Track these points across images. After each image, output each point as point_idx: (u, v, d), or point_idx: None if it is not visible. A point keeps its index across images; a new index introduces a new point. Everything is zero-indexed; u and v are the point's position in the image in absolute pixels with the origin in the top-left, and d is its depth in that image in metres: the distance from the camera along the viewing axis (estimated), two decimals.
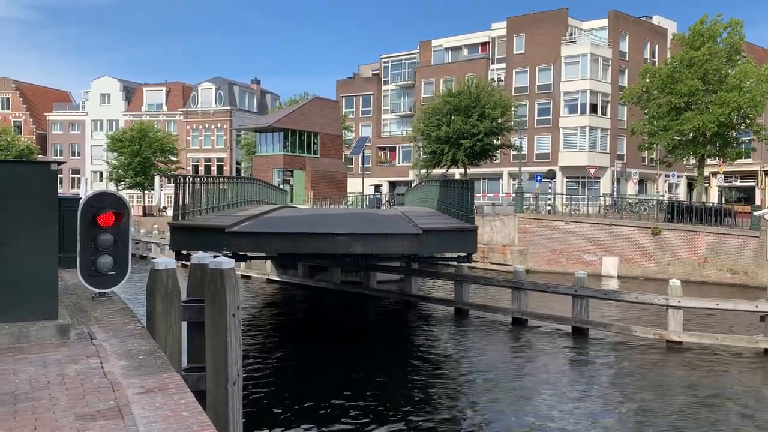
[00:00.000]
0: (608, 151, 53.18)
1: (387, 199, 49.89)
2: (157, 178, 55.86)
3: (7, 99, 75.38)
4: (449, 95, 43.07)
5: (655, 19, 59.84)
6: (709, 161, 40.48)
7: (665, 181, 54.47)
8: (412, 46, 69.21)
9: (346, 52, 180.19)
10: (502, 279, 20.88)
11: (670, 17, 62.21)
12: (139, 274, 14.99)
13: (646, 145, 40.34)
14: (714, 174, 48.58)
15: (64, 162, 62.99)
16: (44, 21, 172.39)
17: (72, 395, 4.68)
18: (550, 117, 54.55)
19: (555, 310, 18.71)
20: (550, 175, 48.74)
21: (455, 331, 18.59)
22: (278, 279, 27.26)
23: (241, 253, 16.92)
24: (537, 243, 31.88)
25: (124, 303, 8.37)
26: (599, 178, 51.48)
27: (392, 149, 66.74)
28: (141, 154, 56.03)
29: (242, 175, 52.21)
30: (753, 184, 52.66)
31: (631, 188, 51.08)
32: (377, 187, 64.29)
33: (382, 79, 68.62)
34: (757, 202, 47.72)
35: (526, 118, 54.78)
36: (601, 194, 45.16)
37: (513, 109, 44.77)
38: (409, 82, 65.72)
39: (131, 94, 74.56)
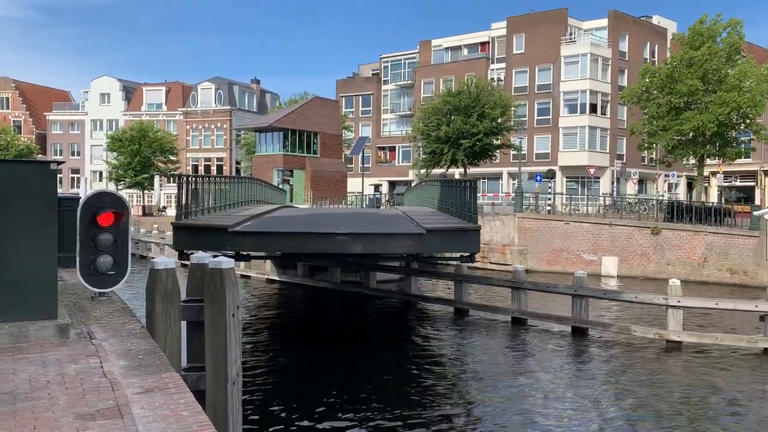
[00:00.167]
0: (608, 151, 53.20)
1: (387, 198, 49.91)
2: (156, 178, 55.85)
3: (7, 99, 75.36)
4: (449, 95, 43.06)
5: (655, 19, 59.84)
6: (708, 161, 40.50)
7: (665, 180, 54.48)
8: (412, 46, 69.28)
9: (345, 52, 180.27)
10: (502, 279, 20.88)
11: (669, 17, 62.28)
12: (139, 274, 14.98)
13: (646, 145, 40.34)
14: (714, 174, 48.59)
15: (64, 162, 62.98)
16: (44, 21, 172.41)
17: (71, 395, 4.68)
18: (550, 117, 54.56)
19: (555, 310, 18.72)
20: (550, 175, 48.76)
21: (455, 330, 18.59)
22: (278, 279, 27.27)
23: (244, 253, 16.91)
24: (537, 243, 31.89)
25: (124, 303, 8.36)
26: (599, 177, 51.49)
27: (392, 149, 66.74)
28: (141, 154, 56.03)
29: (242, 174, 52.24)
30: (753, 183, 52.68)
31: (630, 188, 51.08)
32: (377, 187, 64.31)
33: (382, 78, 68.61)
34: (757, 201, 47.75)
35: (526, 118, 54.78)
36: (600, 194, 45.16)
37: (513, 108, 44.77)
38: (409, 81, 65.73)
39: (131, 93, 74.55)
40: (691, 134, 36.78)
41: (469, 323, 19.20)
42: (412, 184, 47.39)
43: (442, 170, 44.34)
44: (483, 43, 61.22)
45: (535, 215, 33.44)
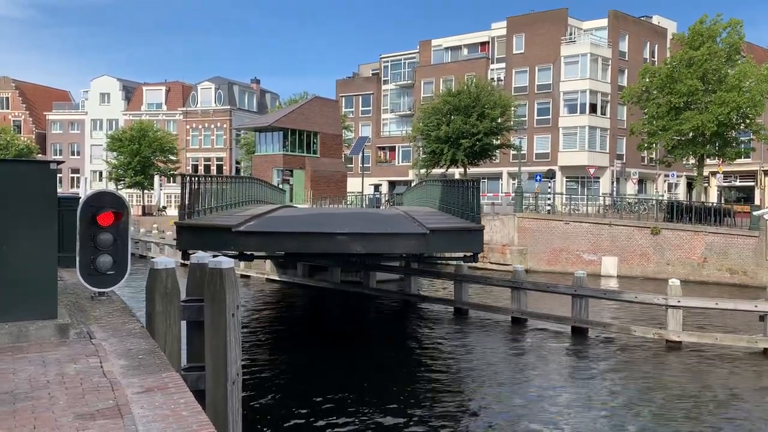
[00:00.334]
0: (608, 151, 53.20)
1: (386, 198, 49.91)
2: (156, 178, 55.85)
3: (7, 98, 75.35)
4: (449, 95, 43.05)
5: (655, 19, 59.85)
6: (708, 161, 40.50)
7: (665, 180, 54.48)
8: (412, 46, 69.27)
9: (345, 51, 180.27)
10: (502, 279, 20.88)
11: (669, 17, 62.28)
12: (139, 274, 14.98)
13: (646, 145, 40.35)
14: (713, 174, 48.60)
15: (64, 161, 62.93)
16: (44, 20, 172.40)
17: (71, 394, 4.68)
18: (550, 117, 54.56)
19: (554, 310, 18.71)
20: (550, 175, 48.75)
21: (455, 330, 18.59)
22: (278, 278, 27.27)
23: (248, 253, 16.90)
24: (536, 243, 31.89)
25: (124, 302, 8.37)
26: (599, 177, 51.49)
27: (392, 149, 66.74)
28: (140, 154, 56.03)
29: (242, 174, 52.25)
30: (752, 183, 52.68)
31: (630, 188, 51.09)
32: (377, 187, 64.31)
33: (382, 78, 68.61)
34: (757, 201, 47.75)
35: (526, 118, 54.78)
36: (600, 194, 45.15)
37: (512, 108, 44.76)
38: (409, 81, 65.73)
39: (131, 93, 74.54)
40: (690, 134, 36.78)
41: (469, 323, 19.21)
42: (412, 184, 47.40)
43: (442, 170, 44.35)
44: (483, 43, 61.22)
45: (535, 215, 33.44)
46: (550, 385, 13.00)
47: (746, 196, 51.53)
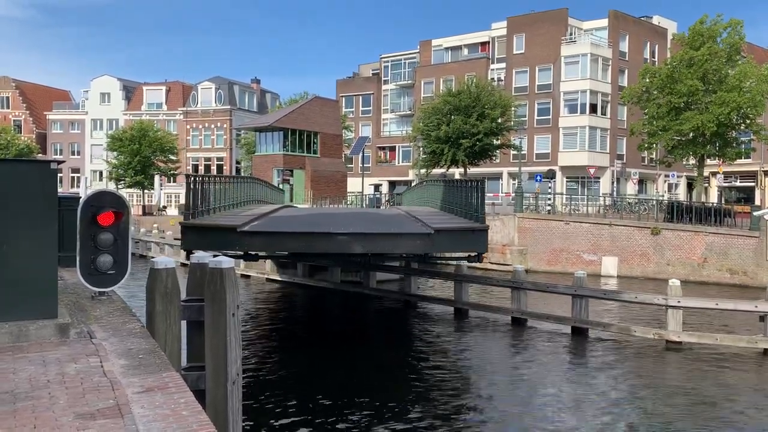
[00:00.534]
0: (608, 151, 53.20)
1: (386, 198, 49.91)
2: (156, 178, 55.83)
3: (7, 98, 75.36)
4: (449, 95, 43.05)
5: (655, 19, 59.85)
6: (708, 161, 40.50)
7: (665, 181, 54.48)
8: (412, 46, 69.27)
9: (346, 51, 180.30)
10: (502, 279, 20.88)
11: (670, 17, 62.26)
12: (139, 274, 14.98)
13: (646, 145, 40.34)
14: (714, 174, 48.59)
15: (64, 161, 62.82)
16: (44, 20, 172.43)
17: (72, 394, 4.68)
18: (550, 117, 54.56)
19: (555, 310, 18.71)
20: (550, 175, 48.74)
21: (455, 330, 18.59)
22: (278, 278, 27.27)
23: (252, 253, 16.90)
24: (537, 243, 31.89)
25: (124, 302, 8.37)
26: (599, 178, 51.49)
27: (392, 149, 66.74)
28: (141, 154, 56.01)
29: (242, 174, 52.24)
30: (753, 184, 52.68)
31: (630, 188, 51.09)
32: (377, 187, 64.31)
33: (382, 78, 68.61)
34: (757, 202, 47.75)
35: (526, 118, 54.77)
36: (600, 194, 45.14)
37: (513, 108, 44.76)
38: (409, 81, 65.73)
39: (131, 93, 74.54)
40: (691, 134, 36.78)
41: (469, 323, 19.21)
42: (412, 184, 47.38)
43: (442, 170, 44.35)
44: (483, 43, 61.23)
45: (535, 215, 33.44)
46: (550, 385, 12.99)
47: (746, 196, 51.53)
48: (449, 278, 21.18)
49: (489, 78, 54.85)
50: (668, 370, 14.36)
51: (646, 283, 26.89)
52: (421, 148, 45.75)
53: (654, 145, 40.03)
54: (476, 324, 19.02)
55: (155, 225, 44.91)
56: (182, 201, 57.85)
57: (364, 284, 23.61)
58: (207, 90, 71.11)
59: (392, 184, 62.96)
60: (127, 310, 7.74)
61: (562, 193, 44.59)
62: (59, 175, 7.25)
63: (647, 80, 38.42)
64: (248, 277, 28.33)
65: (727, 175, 50.03)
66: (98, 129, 73.23)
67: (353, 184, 53.13)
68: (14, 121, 74.28)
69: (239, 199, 20.83)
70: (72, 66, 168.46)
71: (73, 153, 74.00)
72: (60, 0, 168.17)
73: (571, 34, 54.28)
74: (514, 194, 36.29)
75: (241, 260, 22.25)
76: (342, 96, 68.50)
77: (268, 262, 26.61)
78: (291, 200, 38.01)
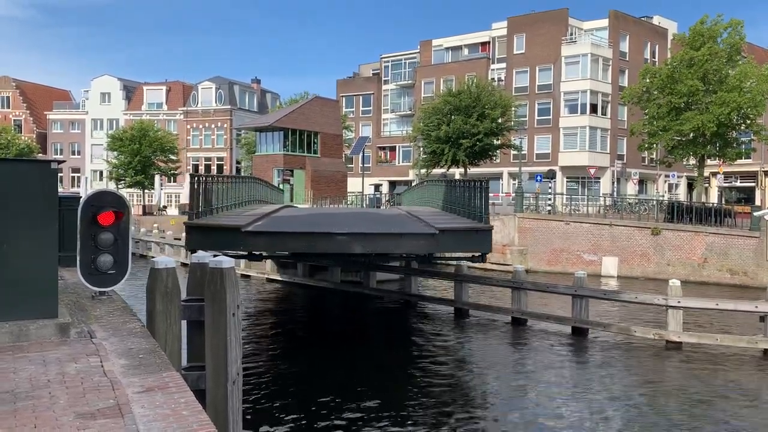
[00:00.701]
0: (608, 151, 53.19)
1: (387, 198, 49.91)
2: (157, 178, 55.84)
3: (8, 98, 75.37)
4: (449, 95, 43.06)
5: (656, 20, 59.85)
6: (709, 161, 40.49)
7: (665, 181, 54.48)
8: (413, 46, 69.27)
9: (346, 51, 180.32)
10: (502, 279, 20.87)
11: (670, 17, 62.28)
12: (139, 273, 14.97)
13: (646, 146, 40.33)
14: (714, 174, 48.58)
15: (64, 161, 62.73)
16: (44, 20, 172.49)
17: (72, 394, 4.68)
18: (550, 117, 54.55)
19: (555, 310, 18.72)
20: (550, 175, 48.71)
21: (455, 330, 18.58)
22: (278, 278, 27.27)
23: (257, 253, 16.86)
24: (537, 243, 31.88)
25: (124, 302, 8.38)
26: (599, 178, 51.48)
27: (392, 149, 66.74)
28: (141, 153, 56.01)
29: (242, 174, 52.24)
30: (753, 184, 52.67)
31: (631, 188, 51.09)
32: (377, 187, 64.31)
33: (383, 78, 68.60)
34: (757, 202, 47.74)
35: (526, 118, 54.77)
36: (601, 194, 45.12)
37: (513, 109, 44.76)
38: (410, 81, 65.72)
39: (131, 93, 74.55)
40: (691, 135, 36.77)
41: (469, 323, 19.21)
42: (413, 184, 47.38)
43: (443, 170, 44.36)
44: (483, 43, 61.22)
45: (535, 215, 33.44)
46: (550, 385, 13.00)
47: (747, 196, 51.51)
48: (449, 278, 21.18)
49: (489, 78, 54.86)
50: (668, 370, 14.35)
51: (647, 284, 26.89)
52: (421, 148, 45.76)
53: (654, 145, 40.02)
54: (476, 324, 19.02)
55: (155, 225, 44.91)
56: (182, 201, 58.02)
57: (364, 284, 23.61)
58: (207, 90, 71.12)
59: (392, 184, 62.96)
60: (128, 310, 7.75)
61: (562, 194, 44.59)
62: (59, 174, 7.25)
63: (647, 80, 38.42)
64: (248, 277, 28.33)
65: (728, 176, 50.02)
66: (98, 129, 73.24)
67: (353, 184, 53.13)
68: (14, 120, 74.29)
69: (241, 199, 20.83)
70: (72, 66, 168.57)
71: (73, 153, 74.01)
72: (60, 0, 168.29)
73: (571, 35, 54.28)
74: (514, 194, 36.29)
75: (242, 260, 22.27)
76: (342, 96, 68.49)
77: (269, 262, 26.60)
78: (291, 200, 38.01)
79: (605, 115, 53.71)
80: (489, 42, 60.35)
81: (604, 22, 54.68)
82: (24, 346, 6.01)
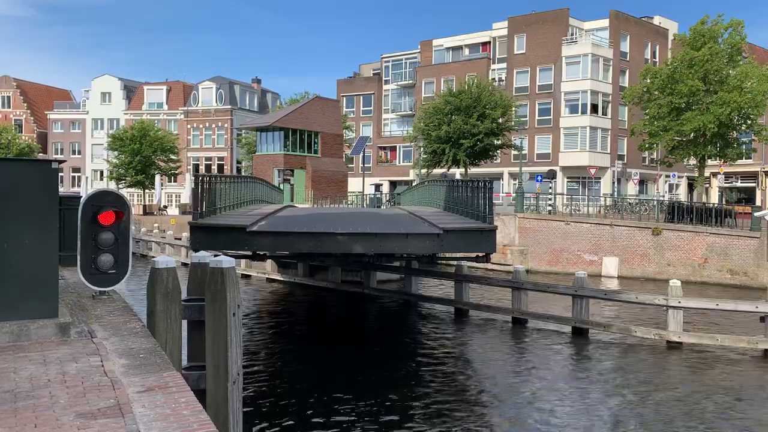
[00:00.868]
0: (609, 152, 53.18)
1: (387, 198, 49.91)
2: (157, 177, 55.86)
3: (8, 97, 75.39)
4: (450, 95, 43.05)
5: (656, 20, 59.83)
6: (709, 162, 40.44)
7: (666, 181, 54.45)
8: (413, 46, 69.33)
9: (346, 51, 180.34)
10: (502, 279, 20.88)
11: (671, 18, 62.30)
12: (140, 273, 14.98)
13: (647, 146, 40.30)
14: (714, 174, 48.56)
15: (65, 160, 62.80)
16: (44, 19, 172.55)
17: (72, 393, 4.69)
18: (551, 117, 54.54)
19: (555, 310, 18.72)
20: (551, 175, 48.67)
21: (455, 330, 18.59)
22: (279, 278, 27.28)
23: (261, 253, 16.82)
24: (537, 243, 31.88)
25: (125, 301, 8.38)
26: (600, 178, 51.47)
27: (393, 149, 66.73)
28: (141, 153, 56.02)
29: (242, 174, 52.23)
30: (753, 184, 52.62)
31: (631, 188, 51.07)
32: (378, 187, 64.30)
33: (383, 78, 68.59)
34: (758, 202, 47.68)
35: (527, 118, 54.74)
36: (601, 194, 45.11)
37: (513, 109, 44.75)
38: (410, 81, 65.71)
39: (132, 92, 74.55)
40: (692, 135, 36.75)
41: (470, 323, 19.21)
42: (413, 184, 47.38)
43: (443, 170, 44.36)
44: (484, 43, 61.19)
45: (535, 215, 33.43)
46: (550, 385, 13.00)
47: (747, 196, 51.46)
48: (450, 278, 21.17)
49: (490, 78, 54.84)
50: (668, 370, 14.35)
51: (647, 284, 26.89)
52: (421, 148, 45.75)
53: (655, 145, 39.99)
54: (477, 324, 19.02)
55: (156, 224, 44.96)
56: (183, 201, 58.05)
57: (364, 284, 23.61)
58: (208, 90, 71.11)
59: (393, 184, 62.94)
60: (128, 310, 7.75)
61: (562, 194, 44.54)
62: (60, 174, 7.25)
63: (648, 80, 38.39)
64: (249, 276, 28.34)
65: (728, 176, 49.99)
66: (99, 128, 73.25)
67: (354, 184, 53.13)
68: (15, 120, 74.31)
69: (243, 198, 20.83)
70: (73, 65, 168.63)
71: (73, 152, 74.01)
72: None
73: (572, 35, 54.26)
74: (514, 194, 36.28)
75: (242, 260, 22.26)
76: (343, 96, 68.49)
77: (269, 261, 26.60)
78: (292, 200, 38.00)
79: (606, 115, 53.69)
80: (489, 42, 60.33)
81: (605, 23, 54.66)
82: (24, 345, 6.01)
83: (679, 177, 51.40)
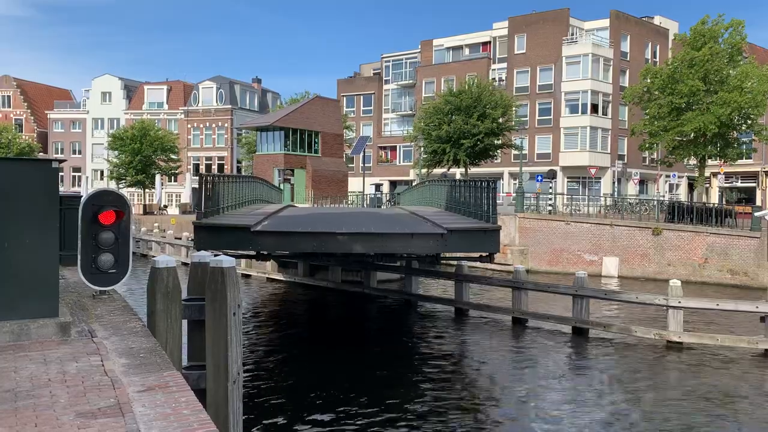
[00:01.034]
0: (609, 151, 53.17)
1: (387, 198, 49.92)
2: (157, 177, 55.87)
3: (8, 97, 75.39)
4: (450, 95, 43.04)
5: (657, 20, 59.81)
6: (709, 162, 40.44)
7: (666, 181, 54.44)
8: (414, 46, 69.27)
9: (346, 51, 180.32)
10: (503, 279, 20.87)
11: (671, 18, 62.23)
12: (140, 272, 14.99)
13: (647, 146, 40.30)
14: (715, 174, 48.55)
15: (65, 160, 62.75)
16: (44, 19, 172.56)
17: (73, 393, 4.69)
18: (551, 117, 54.53)
19: (555, 310, 18.71)
20: (551, 175, 48.66)
21: (455, 330, 18.59)
22: (279, 278, 27.28)
23: (264, 253, 16.82)
24: (537, 243, 31.88)
25: (125, 301, 8.38)
26: (600, 178, 51.46)
27: (393, 149, 66.73)
28: (142, 153, 56.01)
29: (243, 173, 52.22)
30: (754, 184, 52.61)
31: (631, 188, 51.06)
32: (378, 187, 64.30)
33: (383, 78, 68.58)
34: (758, 202, 47.67)
35: (527, 118, 54.73)
36: (601, 194, 45.09)
37: (514, 109, 44.74)
38: (410, 81, 65.70)
39: (132, 92, 74.54)
40: (692, 135, 36.75)
41: (470, 323, 19.20)
42: (413, 184, 47.38)
43: (443, 170, 44.36)
44: (484, 43, 61.18)
45: (536, 215, 33.43)
46: (551, 385, 13.00)
47: (747, 196, 51.45)
48: (450, 278, 21.17)
49: (490, 78, 54.83)
50: (668, 370, 14.35)
51: (647, 284, 26.88)
52: (422, 148, 45.75)
53: (655, 145, 39.98)
54: (477, 324, 19.01)
55: (156, 224, 44.95)
56: (183, 200, 58.00)
57: (364, 284, 23.61)
58: (208, 89, 71.10)
59: (393, 184, 62.94)
60: (128, 309, 7.75)
61: (563, 193, 44.55)
62: (60, 174, 7.25)
63: (648, 80, 38.38)
64: (249, 276, 28.34)
65: (728, 176, 49.97)
66: (99, 128, 73.24)
67: (354, 184, 53.12)
68: (15, 120, 74.30)
69: (244, 198, 20.83)
70: (73, 65, 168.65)
71: (74, 152, 74.01)
72: None
73: (572, 35, 54.25)
74: (515, 194, 36.28)
75: (242, 259, 22.25)
76: (343, 95, 68.48)
77: (269, 261, 26.59)
78: (292, 200, 38.00)
79: (606, 115, 53.68)
80: (490, 42, 60.32)
81: (605, 22, 54.65)
82: (25, 345, 6.02)
83: (679, 177, 51.39)
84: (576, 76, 52.74)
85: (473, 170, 45.51)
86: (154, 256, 13.95)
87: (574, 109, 53.10)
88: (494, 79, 55.25)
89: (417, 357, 15.47)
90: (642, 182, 53.99)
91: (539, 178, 43.77)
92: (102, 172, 68.00)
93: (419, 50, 66.08)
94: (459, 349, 16.48)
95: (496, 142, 42.48)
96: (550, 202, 36.03)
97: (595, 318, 17.67)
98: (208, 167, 68.91)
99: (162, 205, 60.01)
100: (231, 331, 7.55)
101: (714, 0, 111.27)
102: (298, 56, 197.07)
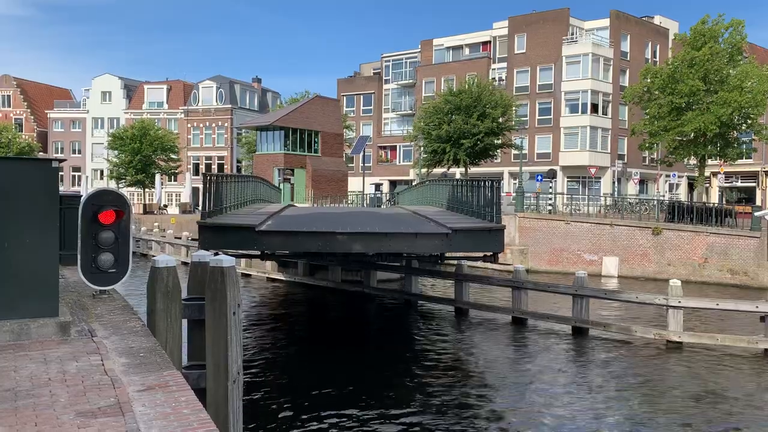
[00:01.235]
0: (609, 151, 53.16)
1: (387, 198, 49.92)
2: (157, 176, 55.87)
3: (8, 96, 75.37)
4: (450, 94, 43.02)
5: (657, 19, 59.80)
6: (710, 161, 40.45)
7: (666, 181, 54.42)
8: (414, 45, 69.20)
9: (346, 50, 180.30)
10: (503, 278, 20.87)
11: (671, 17, 62.20)
12: (140, 272, 14.99)
13: (647, 145, 40.30)
14: (715, 174, 48.56)
15: (65, 160, 62.69)
16: (44, 18, 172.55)
17: (73, 392, 4.69)
18: (551, 117, 54.52)
19: (555, 310, 18.72)
20: (551, 175, 48.65)
21: (455, 330, 18.59)
22: (279, 277, 27.27)
23: (269, 252, 16.79)
24: (537, 242, 31.88)
25: (125, 300, 8.38)
26: (600, 177, 51.45)
27: (393, 148, 66.72)
28: (142, 152, 56.01)
29: (243, 173, 52.22)
30: (754, 184, 52.62)
31: (631, 188, 51.05)
32: (378, 186, 64.29)
33: (383, 78, 68.57)
34: (758, 202, 47.68)
35: (527, 118, 54.71)
36: (601, 194, 45.08)
37: (514, 108, 44.73)
38: (410, 81, 65.69)
39: (132, 92, 74.52)
40: (692, 135, 36.74)
41: (470, 323, 19.21)
42: (413, 184, 47.37)
43: (443, 170, 44.35)
44: (484, 43, 61.16)
45: (536, 215, 33.44)
46: (551, 384, 13.00)
47: (747, 196, 51.45)
48: (450, 278, 21.17)
49: (490, 77, 54.82)
50: (668, 370, 14.34)
51: (647, 284, 26.89)
52: (421, 148, 45.74)
53: (655, 145, 39.98)
54: (477, 323, 19.02)
55: (156, 224, 44.95)
56: (183, 200, 58.02)
57: (364, 283, 23.60)
58: (208, 89, 71.08)
59: (393, 184, 62.94)
60: (128, 309, 7.75)
61: (563, 193, 44.53)
62: (60, 173, 7.25)
63: (648, 80, 38.37)
64: (249, 276, 28.34)
65: (728, 176, 49.98)
66: (99, 127, 73.23)
67: (354, 184, 53.11)
68: (15, 119, 74.29)
69: (246, 198, 20.83)
70: (73, 64, 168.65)
71: (74, 151, 74.00)
72: None
73: (572, 34, 54.23)
74: (515, 194, 36.29)
75: (242, 259, 22.25)
76: (343, 95, 68.47)
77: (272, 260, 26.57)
78: (292, 199, 38.00)
79: (606, 114, 53.68)
80: (490, 41, 60.30)
81: (605, 22, 54.64)
82: (25, 344, 6.02)
83: (679, 177, 51.38)
84: (576, 75, 52.73)
85: (473, 170, 45.49)
86: (154, 256, 13.94)
87: (574, 109, 53.10)
88: (494, 78, 55.24)
89: (417, 357, 15.47)
90: (642, 182, 53.98)
91: (539, 177, 43.77)
92: (102, 172, 67.98)
93: (419, 50, 66.06)
94: (459, 349, 16.48)
95: (496, 141, 42.47)
96: (550, 201, 36.04)
97: (595, 318, 17.67)
98: (208, 167, 68.89)
99: (162, 205, 60.02)
100: (231, 331, 7.55)
101: (714, 0, 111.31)
102: (298, 56, 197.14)
